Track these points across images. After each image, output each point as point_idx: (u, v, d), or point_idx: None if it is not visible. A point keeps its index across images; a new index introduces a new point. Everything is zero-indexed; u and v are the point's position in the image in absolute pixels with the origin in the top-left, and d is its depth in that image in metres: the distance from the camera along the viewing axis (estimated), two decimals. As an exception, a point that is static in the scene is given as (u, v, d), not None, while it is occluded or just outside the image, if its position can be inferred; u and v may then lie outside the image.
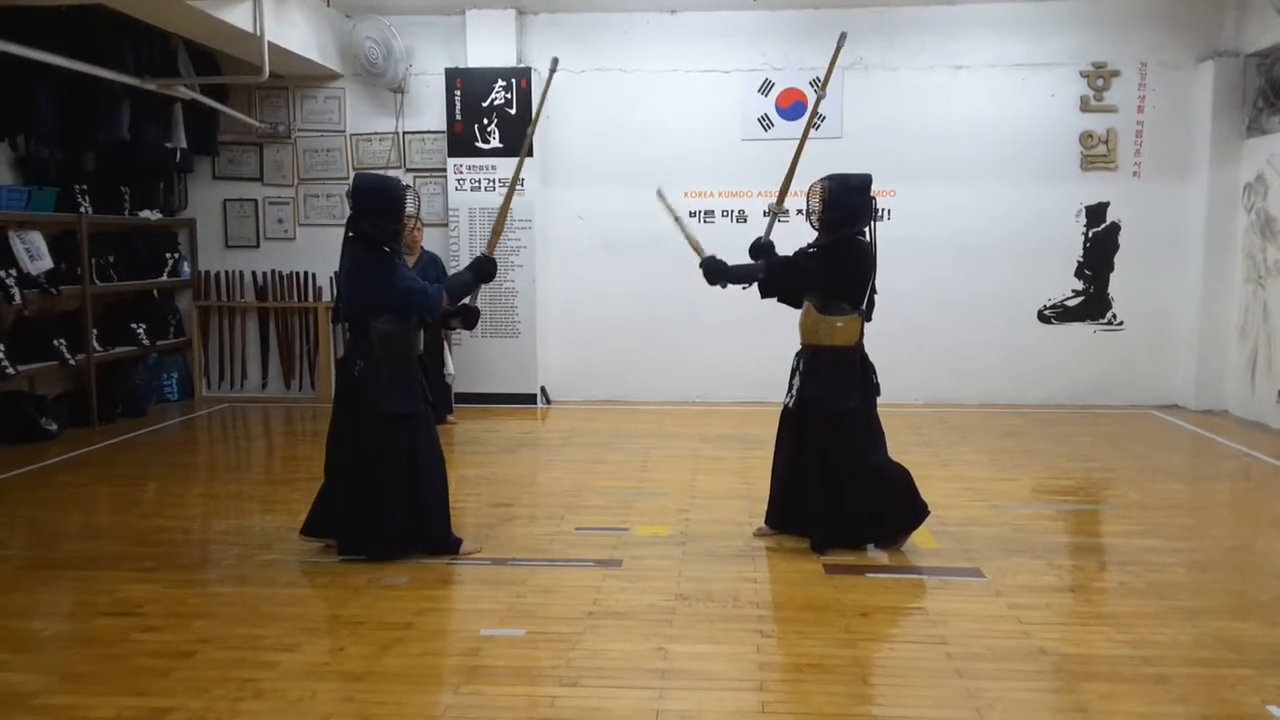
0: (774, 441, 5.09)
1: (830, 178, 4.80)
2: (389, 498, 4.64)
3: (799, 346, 4.93)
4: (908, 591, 4.37)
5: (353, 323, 4.68)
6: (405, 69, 8.84)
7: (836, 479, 4.74)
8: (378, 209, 4.58)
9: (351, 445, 4.67)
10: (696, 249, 5.00)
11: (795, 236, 5.04)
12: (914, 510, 4.85)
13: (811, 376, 4.79)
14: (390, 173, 8.85)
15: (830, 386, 4.73)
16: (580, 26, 8.87)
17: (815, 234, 4.87)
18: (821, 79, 5.24)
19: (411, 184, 4.88)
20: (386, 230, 4.59)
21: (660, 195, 5.19)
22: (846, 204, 4.73)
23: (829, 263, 4.77)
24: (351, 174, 9.16)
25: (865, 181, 4.79)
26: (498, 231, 5.09)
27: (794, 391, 4.89)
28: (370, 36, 8.63)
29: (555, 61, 5.31)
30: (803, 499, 4.85)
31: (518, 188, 8.51)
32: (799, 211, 5.26)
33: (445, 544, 4.78)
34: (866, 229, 4.78)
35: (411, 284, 4.65)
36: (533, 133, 5.26)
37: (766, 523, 5.10)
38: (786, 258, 4.92)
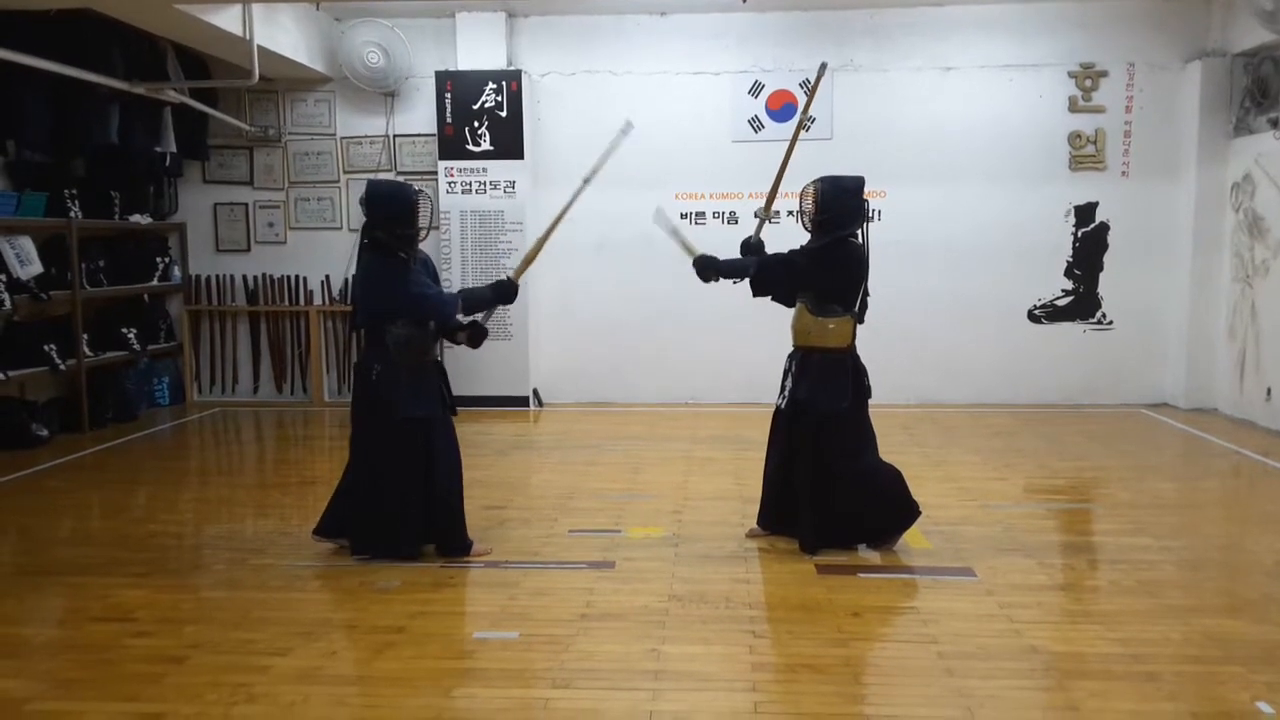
0: (766, 442, 5.10)
1: (823, 179, 4.80)
2: (404, 500, 4.65)
3: (791, 348, 4.95)
4: (899, 591, 4.38)
5: (369, 328, 4.69)
6: (405, 71, 8.82)
7: (827, 480, 4.75)
8: (391, 215, 4.59)
9: (369, 449, 4.69)
10: (688, 250, 5.03)
11: (786, 238, 5.05)
12: (906, 510, 4.86)
13: (803, 378, 4.80)
14: (381, 175, 8.87)
15: (821, 388, 4.74)
16: (570, 29, 8.88)
17: (807, 235, 4.88)
18: (811, 81, 5.26)
19: (423, 190, 4.84)
20: (401, 236, 4.59)
21: (659, 216, 5.23)
22: (839, 206, 4.74)
23: (822, 264, 4.77)
24: (343, 177, 9.17)
25: (858, 184, 4.81)
26: (530, 260, 5.08)
27: (786, 392, 4.90)
28: (371, 40, 8.61)
29: (629, 125, 5.24)
30: (794, 500, 4.86)
31: (508, 191, 8.69)
32: (790, 213, 5.27)
33: (459, 545, 4.79)
34: (859, 231, 4.80)
35: (425, 289, 4.65)
36: (585, 186, 5.17)
37: (759, 523, 5.11)
38: (779, 254, 4.90)
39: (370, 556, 4.71)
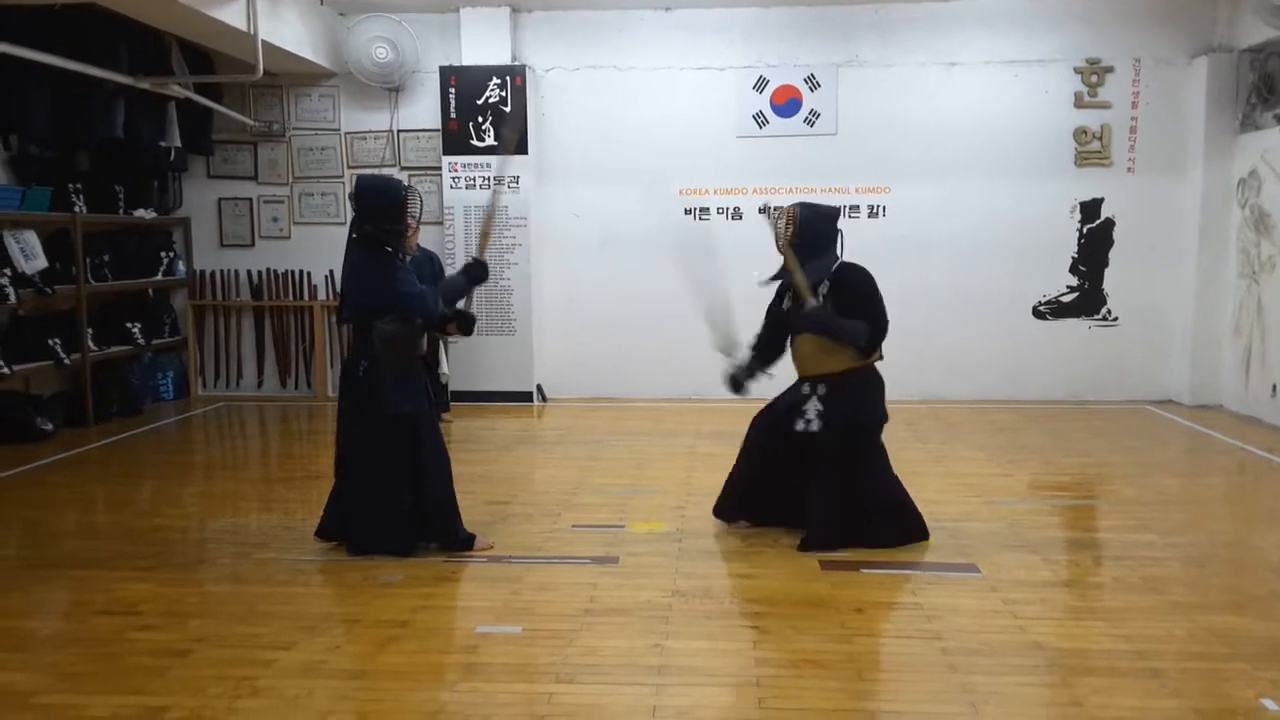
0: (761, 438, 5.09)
1: (801, 205, 4.91)
2: (395, 497, 4.65)
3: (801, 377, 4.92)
4: (903, 587, 4.38)
5: (356, 323, 4.68)
6: (412, 66, 8.81)
7: (854, 485, 4.75)
8: (380, 210, 4.58)
9: (357, 446, 4.69)
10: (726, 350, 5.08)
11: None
12: (918, 530, 4.89)
13: (840, 399, 4.73)
14: (385, 171, 8.88)
15: (865, 403, 4.77)
16: (574, 24, 8.86)
17: (776, 259, 4.87)
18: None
19: (412, 184, 4.84)
20: (389, 231, 4.58)
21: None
22: (815, 231, 4.80)
23: (854, 297, 4.73)
24: (347, 172, 9.17)
25: (834, 212, 4.95)
26: (485, 234, 5.09)
27: (811, 417, 4.75)
28: (379, 35, 8.59)
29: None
30: (773, 495, 4.96)
31: (511, 186, 8.67)
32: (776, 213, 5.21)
33: (457, 540, 4.79)
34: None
35: (410, 287, 4.62)
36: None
37: (716, 513, 5.18)
38: (867, 322, 4.70)
39: (365, 553, 4.71)
